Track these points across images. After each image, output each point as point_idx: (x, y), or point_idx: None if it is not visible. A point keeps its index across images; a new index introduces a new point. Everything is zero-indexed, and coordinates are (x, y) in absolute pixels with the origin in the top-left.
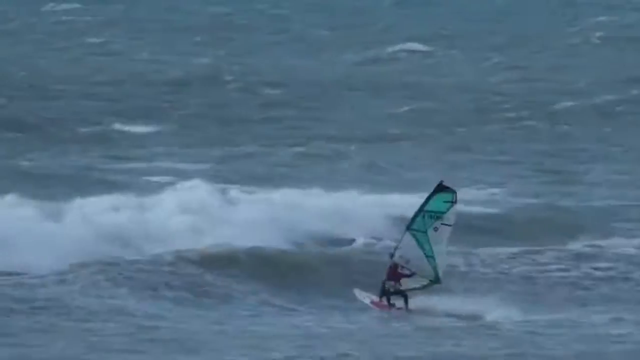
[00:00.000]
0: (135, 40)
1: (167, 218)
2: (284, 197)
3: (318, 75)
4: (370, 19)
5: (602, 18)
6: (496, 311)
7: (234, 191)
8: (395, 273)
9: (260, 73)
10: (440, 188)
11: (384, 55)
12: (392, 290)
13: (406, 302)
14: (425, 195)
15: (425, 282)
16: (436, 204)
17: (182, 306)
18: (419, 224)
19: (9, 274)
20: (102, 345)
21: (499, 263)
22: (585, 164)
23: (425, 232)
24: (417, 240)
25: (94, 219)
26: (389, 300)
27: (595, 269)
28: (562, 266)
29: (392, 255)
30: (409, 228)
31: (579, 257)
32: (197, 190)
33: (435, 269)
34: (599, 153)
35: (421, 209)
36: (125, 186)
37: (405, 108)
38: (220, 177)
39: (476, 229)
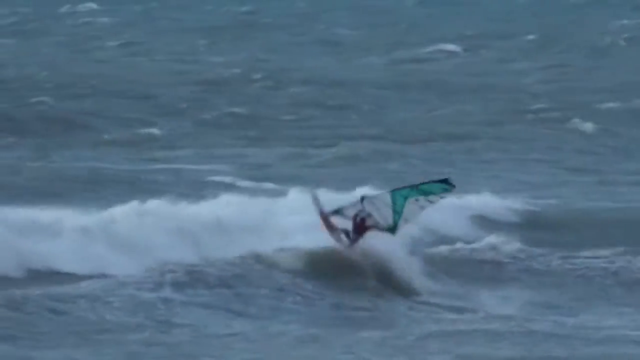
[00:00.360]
0: (157, 41)
1: (241, 218)
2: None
3: (348, 75)
4: (395, 19)
5: (625, 21)
6: (526, 309)
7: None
8: (361, 227)
9: (289, 73)
10: (444, 181)
11: (414, 55)
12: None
13: (348, 236)
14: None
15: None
16: (432, 187)
17: (229, 309)
18: (405, 191)
19: (90, 276)
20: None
21: (538, 260)
22: (619, 164)
23: (406, 197)
24: (394, 198)
25: (172, 220)
26: (347, 234)
27: (631, 269)
28: (597, 265)
29: (362, 199)
30: (393, 190)
31: (612, 257)
32: (263, 192)
33: (396, 223)
34: (632, 154)
35: (416, 185)
36: (178, 187)
37: (438, 108)
38: (260, 177)
39: (515, 227)
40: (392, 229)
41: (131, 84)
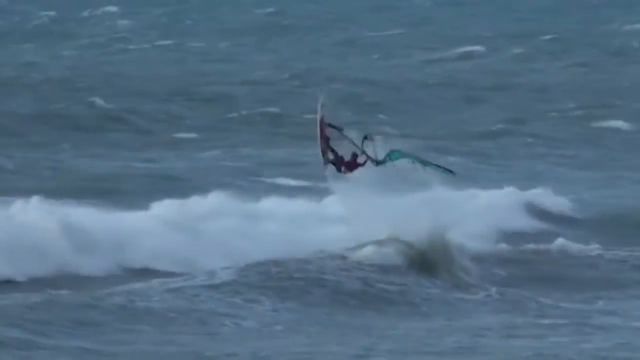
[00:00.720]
0: (183, 43)
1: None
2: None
3: (375, 75)
4: (417, 20)
5: (638, 25)
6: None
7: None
8: (353, 163)
9: (316, 73)
10: (448, 171)
11: (440, 55)
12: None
13: (334, 154)
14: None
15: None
16: (434, 168)
17: (279, 303)
18: (407, 153)
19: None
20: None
21: (589, 254)
22: None
23: (404, 157)
24: (392, 151)
25: (245, 217)
26: (336, 154)
27: None
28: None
29: (365, 137)
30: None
31: None
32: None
33: (384, 161)
34: None
35: (421, 159)
36: (225, 184)
37: (467, 106)
38: (301, 175)
39: (570, 221)
40: (379, 163)
41: (162, 85)
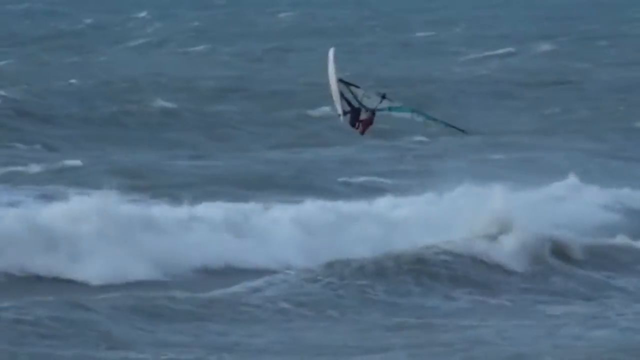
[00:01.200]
0: (220, 47)
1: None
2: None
3: (414, 74)
4: (446, 21)
5: None
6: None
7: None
8: (372, 119)
9: (358, 73)
10: (460, 130)
11: (476, 56)
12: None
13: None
14: None
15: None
16: (440, 125)
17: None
18: (419, 110)
19: (270, 271)
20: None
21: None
22: None
23: (412, 112)
24: (393, 105)
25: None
26: (353, 108)
27: None
28: None
29: (384, 96)
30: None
31: None
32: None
33: (382, 109)
34: None
35: (432, 117)
36: (331, 190)
37: (511, 103)
38: (368, 173)
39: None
40: (372, 110)
41: (206, 85)
